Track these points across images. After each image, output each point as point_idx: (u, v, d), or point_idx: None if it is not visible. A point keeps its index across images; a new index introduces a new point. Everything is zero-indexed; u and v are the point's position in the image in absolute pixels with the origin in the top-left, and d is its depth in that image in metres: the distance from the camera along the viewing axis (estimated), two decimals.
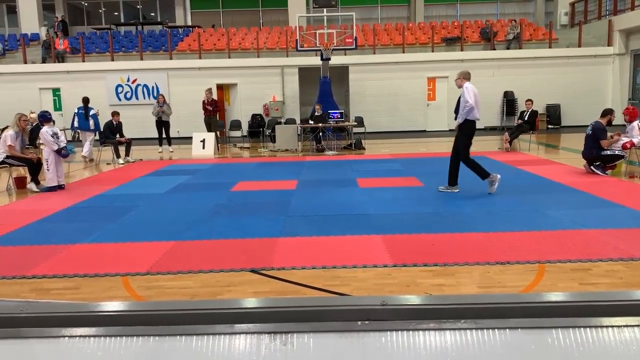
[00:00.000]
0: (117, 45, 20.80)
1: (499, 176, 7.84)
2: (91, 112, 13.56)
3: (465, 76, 8.04)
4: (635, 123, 9.35)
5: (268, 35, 21.44)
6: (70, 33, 23.59)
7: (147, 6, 27.47)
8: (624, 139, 9.14)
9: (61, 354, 0.95)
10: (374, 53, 19.85)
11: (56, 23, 22.04)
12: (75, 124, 13.77)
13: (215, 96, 16.66)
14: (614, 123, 9.64)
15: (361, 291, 4.29)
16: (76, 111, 13.74)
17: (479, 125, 8.32)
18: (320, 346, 0.94)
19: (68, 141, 14.38)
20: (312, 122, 14.82)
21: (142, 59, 19.79)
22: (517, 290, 4.16)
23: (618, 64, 19.04)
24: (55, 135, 9.18)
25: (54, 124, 9.71)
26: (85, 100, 13.70)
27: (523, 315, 0.98)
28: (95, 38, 22.02)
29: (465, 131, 7.84)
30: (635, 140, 9.07)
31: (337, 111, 15.15)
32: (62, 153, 9.19)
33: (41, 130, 9.22)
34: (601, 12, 20.43)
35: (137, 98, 19.21)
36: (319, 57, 16.48)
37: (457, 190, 8.08)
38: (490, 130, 18.79)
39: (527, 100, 13.66)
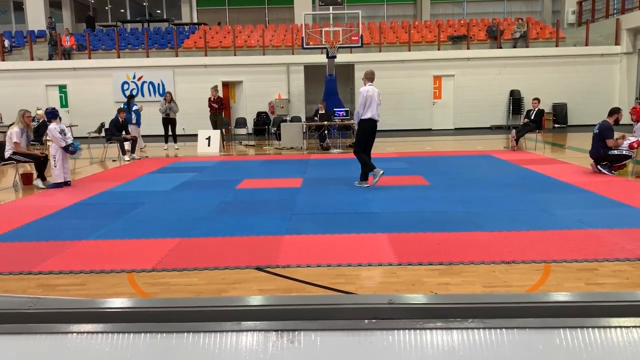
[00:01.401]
0: (123, 43, 20.84)
1: (369, 184, 8.38)
2: (134, 108, 14.63)
3: (367, 76, 8.23)
4: None
5: (274, 32, 21.43)
6: (77, 30, 23.67)
7: (153, 3, 27.52)
8: (631, 139, 9.08)
9: (68, 350, 0.95)
10: (380, 51, 19.80)
11: (49, 23, 22.15)
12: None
13: (221, 94, 16.67)
14: (621, 122, 9.58)
15: (366, 289, 4.29)
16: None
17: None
18: (327, 344, 0.94)
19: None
20: (316, 120, 14.82)
21: (148, 56, 19.84)
22: (522, 290, 4.14)
23: (625, 63, 18.92)
24: (62, 132, 9.22)
25: (60, 120, 9.75)
26: (129, 97, 14.95)
27: (531, 315, 0.98)
28: (102, 35, 22.08)
29: (360, 129, 8.42)
30: None
31: (342, 109, 15.13)
32: (69, 150, 9.24)
33: (49, 127, 9.26)
34: (609, 11, 20.31)
35: (142, 95, 19.24)
36: (325, 55, 16.45)
37: (367, 185, 8.41)
38: (496, 129, 18.76)
39: (533, 99, 13.57)
